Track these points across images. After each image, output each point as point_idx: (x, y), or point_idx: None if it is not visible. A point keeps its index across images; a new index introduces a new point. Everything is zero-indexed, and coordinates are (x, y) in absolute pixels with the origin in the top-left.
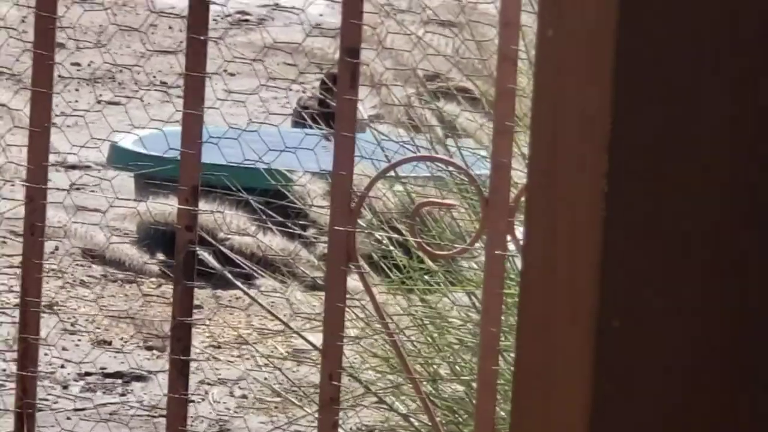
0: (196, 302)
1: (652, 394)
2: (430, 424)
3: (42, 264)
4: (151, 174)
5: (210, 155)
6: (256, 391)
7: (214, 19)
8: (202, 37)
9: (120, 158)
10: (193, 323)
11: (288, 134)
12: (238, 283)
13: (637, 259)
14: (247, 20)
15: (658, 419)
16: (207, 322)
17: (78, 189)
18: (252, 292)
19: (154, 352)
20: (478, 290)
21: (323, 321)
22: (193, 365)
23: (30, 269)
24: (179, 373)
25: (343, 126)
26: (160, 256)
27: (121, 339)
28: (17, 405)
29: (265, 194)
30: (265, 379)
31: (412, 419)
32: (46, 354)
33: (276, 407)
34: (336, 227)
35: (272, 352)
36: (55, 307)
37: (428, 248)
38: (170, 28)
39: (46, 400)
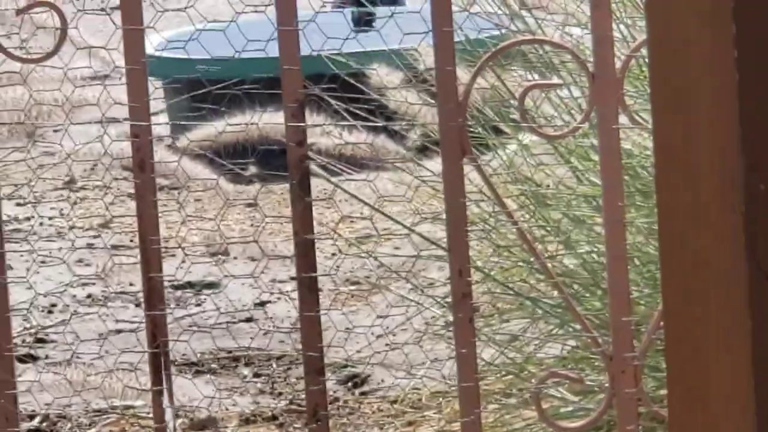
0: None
1: None
2: (556, 302)
3: (156, 201)
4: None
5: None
6: (341, 281)
7: None
8: None
9: (167, 69)
10: (312, 239)
11: (332, 17)
12: (327, 176)
13: None
14: None
15: None
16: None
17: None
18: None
19: (219, 257)
20: (581, 166)
21: (446, 219)
22: (260, 265)
23: (145, 206)
24: (308, 290)
25: (441, 22)
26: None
27: (183, 249)
28: (152, 346)
29: (333, 83)
30: (350, 272)
31: (537, 302)
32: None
33: (351, 295)
34: (447, 122)
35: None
36: (110, 224)
37: (539, 129)
38: None
39: (123, 320)
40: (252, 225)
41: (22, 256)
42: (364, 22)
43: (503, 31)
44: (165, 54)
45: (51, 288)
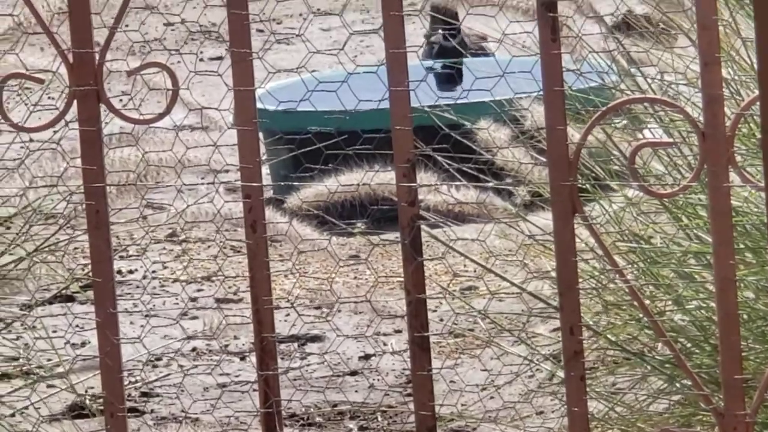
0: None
1: None
2: (666, 358)
3: (269, 261)
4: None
5: (345, 99)
6: (444, 334)
7: None
8: None
9: (272, 122)
10: (424, 298)
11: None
12: (433, 233)
13: None
14: None
15: None
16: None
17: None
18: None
19: (323, 310)
20: (690, 223)
21: (557, 277)
22: (363, 318)
23: (257, 267)
24: (420, 348)
25: (551, 81)
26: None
27: (287, 301)
28: (264, 405)
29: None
30: (455, 324)
31: (646, 358)
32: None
33: (456, 348)
34: (558, 182)
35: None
36: (213, 277)
37: (650, 189)
38: None
39: (228, 374)
40: (356, 278)
41: (126, 309)
42: (447, 77)
43: (613, 90)
44: (269, 107)
45: (155, 341)
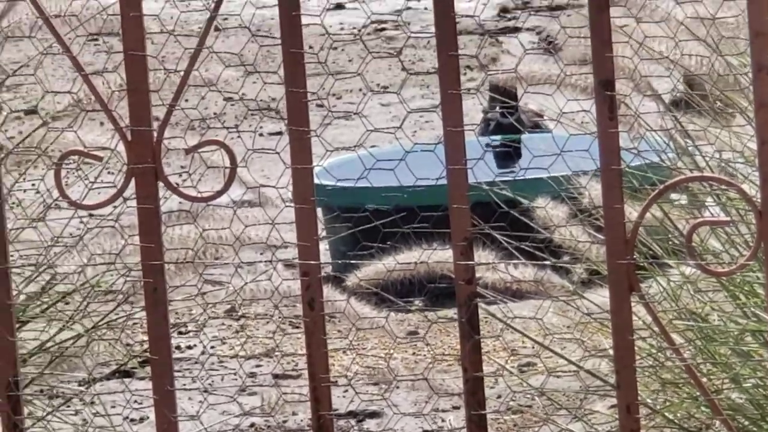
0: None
1: None
2: None
3: (326, 340)
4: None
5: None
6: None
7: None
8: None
9: (330, 199)
10: (482, 375)
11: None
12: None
13: None
14: (383, 28)
15: None
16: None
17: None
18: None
19: (381, 386)
20: (748, 301)
21: (614, 355)
22: (421, 394)
23: (315, 345)
24: (478, 426)
25: (609, 160)
26: None
27: (345, 378)
28: None
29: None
30: (512, 401)
31: None
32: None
33: (511, 426)
34: (616, 260)
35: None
36: (271, 354)
37: (708, 267)
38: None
39: None
40: (414, 354)
41: (185, 385)
42: (504, 154)
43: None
44: (326, 183)
45: (213, 417)
